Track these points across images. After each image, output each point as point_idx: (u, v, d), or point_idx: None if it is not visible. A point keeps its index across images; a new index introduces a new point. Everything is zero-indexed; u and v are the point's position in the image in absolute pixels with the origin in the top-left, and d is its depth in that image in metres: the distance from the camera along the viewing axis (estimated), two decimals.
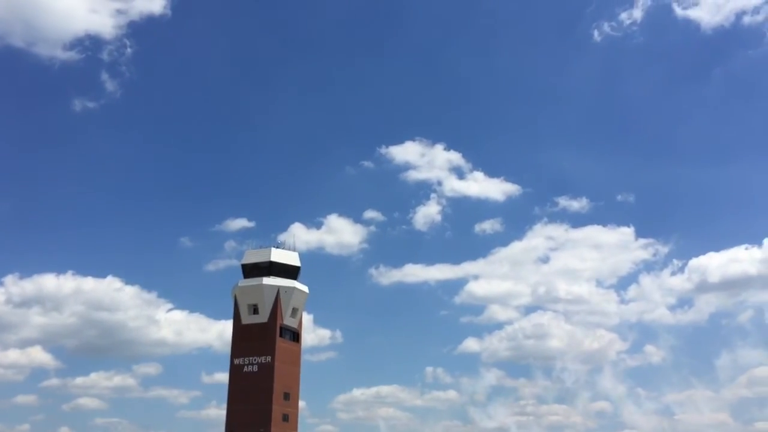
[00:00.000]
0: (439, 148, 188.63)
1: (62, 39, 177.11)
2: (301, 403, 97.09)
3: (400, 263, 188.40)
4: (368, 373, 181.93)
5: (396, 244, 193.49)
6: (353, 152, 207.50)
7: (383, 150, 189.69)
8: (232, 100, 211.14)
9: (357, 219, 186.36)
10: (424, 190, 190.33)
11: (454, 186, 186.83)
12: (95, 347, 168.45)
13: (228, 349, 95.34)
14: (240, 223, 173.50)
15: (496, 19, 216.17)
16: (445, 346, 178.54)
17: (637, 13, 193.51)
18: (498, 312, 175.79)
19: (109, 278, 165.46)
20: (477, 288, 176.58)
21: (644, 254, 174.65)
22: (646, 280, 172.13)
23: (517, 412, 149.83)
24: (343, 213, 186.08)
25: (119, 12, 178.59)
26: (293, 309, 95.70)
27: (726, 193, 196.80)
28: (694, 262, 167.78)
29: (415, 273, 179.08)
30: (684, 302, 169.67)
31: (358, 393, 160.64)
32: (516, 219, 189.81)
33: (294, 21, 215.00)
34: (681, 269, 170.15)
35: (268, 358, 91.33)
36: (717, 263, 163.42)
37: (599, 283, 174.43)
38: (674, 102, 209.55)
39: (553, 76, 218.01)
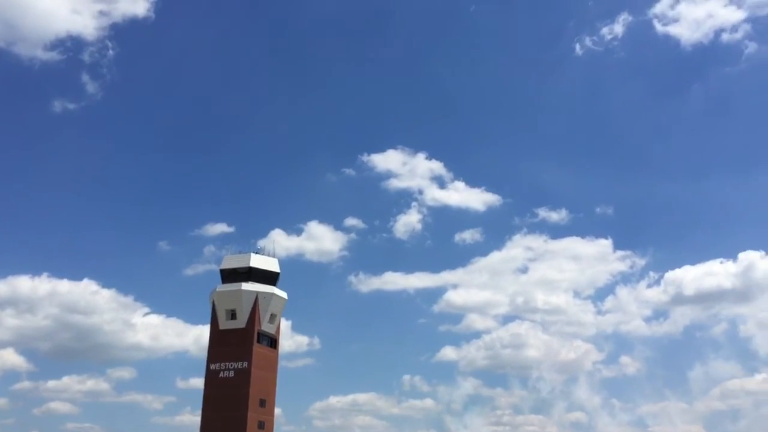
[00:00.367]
0: (420, 157, 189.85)
1: (43, 39, 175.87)
2: (277, 410, 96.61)
3: (380, 271, 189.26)
4: (345, 381, 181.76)
5: (376, 251, 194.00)
6: (335, 159, 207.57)
7: (365, 158, 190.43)
8: (214, 105, 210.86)
9: (337, 226, 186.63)
10: (405, 199, 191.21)
11: (435, 195, 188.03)
12: (69, 350, 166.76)
13: (204, 354, 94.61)
14: (220, 228, 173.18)
15: (479, 31, 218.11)
16: (422, 354, 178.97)
17: (618, 29, 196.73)
18: (476, 321, 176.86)
19: (86, 281, 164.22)
20: (456, 297, 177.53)
21: (621, 266, 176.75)
22: (623, 292, 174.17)
23: (493, 422, 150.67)
24: (324, 220, 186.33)
25: (102, 13, 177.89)
26: (271, 315, 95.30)
27: (702, 207, 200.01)
28: (670, 274, 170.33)
29: (394, 281, 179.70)
30: (659, 314, 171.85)
31: (334, 400, 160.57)
32: (496, 229, 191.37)
33: (277, 28, 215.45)
34: (657, 281, 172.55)
35: (245, 364, 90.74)
36: (692, 276, 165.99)
37: (577, 294, 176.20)
38: (653, 116, 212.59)
39: (535, 88, 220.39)
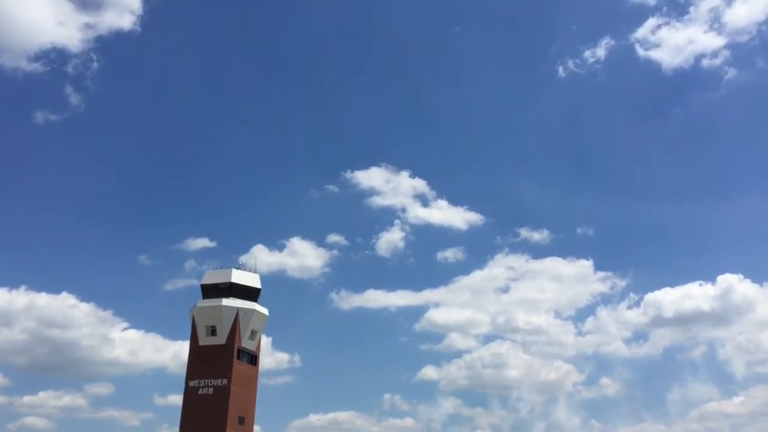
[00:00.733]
0: (404, 175, 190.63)
1: (27, 51, 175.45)
2: (256, 428, 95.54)
3: (362, 288, 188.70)
4: (325, 399, 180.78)
5: (358, 269, 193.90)
6: (318, 176, 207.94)
7: (348, 174, 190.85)
8: (197, 120, 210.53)
9: (320, 243, 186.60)
10: (388, 216, 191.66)
11: (418, 213, 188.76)
12: (46, 365, 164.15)
13: (183, 370, 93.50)
14: (201, 243, 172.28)
15: (464, 52, 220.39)
16: (403, 373, 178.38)
17: (601, 52, 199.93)
18: (457, 340, 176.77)
19: (64, 294, 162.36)
20: (437, 316, 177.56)
21: (602, 287, 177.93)
22: (603, 313, 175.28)
23: None
24: (306, 236, 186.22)
25: (88, 26, 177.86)
26: (252, 331, 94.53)
27: (682, 230, 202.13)
28: (650, 296, 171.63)
29: (376, 298, 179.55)
30: (639, 336, 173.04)
31: (314, 418, 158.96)
32: (478, 248, 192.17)
33: (263, 44, 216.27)
34: (637, 303, 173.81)
35: (224, 381, 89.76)
36: (672, 298, 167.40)
37: (557, 315, 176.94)
38: (635, 139, 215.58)
39: (519, 109, 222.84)
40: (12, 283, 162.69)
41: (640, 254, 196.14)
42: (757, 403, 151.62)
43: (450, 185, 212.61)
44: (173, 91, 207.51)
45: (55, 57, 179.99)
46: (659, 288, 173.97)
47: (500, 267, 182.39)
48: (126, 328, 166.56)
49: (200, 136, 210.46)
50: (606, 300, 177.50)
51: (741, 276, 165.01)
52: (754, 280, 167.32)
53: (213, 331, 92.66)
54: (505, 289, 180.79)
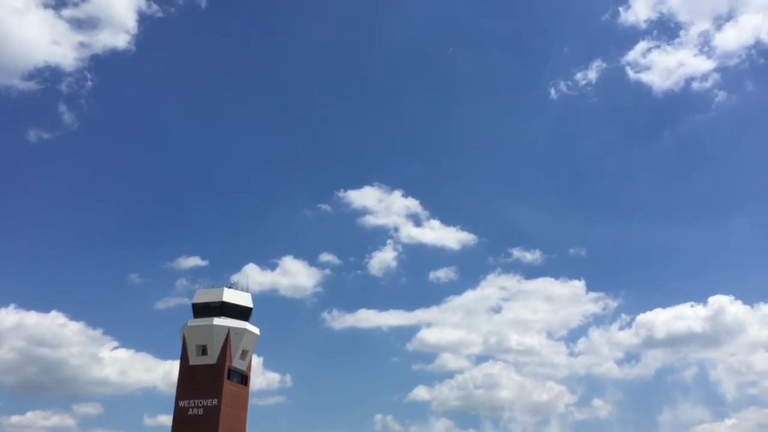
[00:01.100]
0: (397, 194, 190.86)
1: (21, 69, 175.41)
2: None
3: (354, 308, 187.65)
4: (317, 419, 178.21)
5: (350, 288, 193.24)
6: (311, 194, 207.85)
7: (341, 194, 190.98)
8: (191, 138, 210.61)
9: (312, 262, 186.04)
10: (381, 236, 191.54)
11: (411, 233, 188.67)
12: (34, 385, 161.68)
13: (173, 390, 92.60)
14: (193, 262, 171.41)
15: (457, 73, 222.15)
16: (395, 393, 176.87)
17: (592, 75, 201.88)
18: (449, 360, 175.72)
19: (54, 313, 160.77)
20: (429, 336, 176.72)
21: (594, 308, 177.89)
22: (596, 334, 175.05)
23: None
24: (299, 255, 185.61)
25: (82, 45, 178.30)
26: (243, 351, 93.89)
27: (674, 251, 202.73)
28: (642, 317, 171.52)
29: (368, 318, 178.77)
30: (631, 357, 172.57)
31: None
32: (470, 268, 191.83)
33: (257, 64, 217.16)
34: (629, 324, 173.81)
35: (215, 401, 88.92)
36: (663, 319, 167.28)
37: (550, 335, 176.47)
38: (626, 161, 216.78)
39: (511, 130, 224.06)
40: (1, 302, 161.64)
41: (631, 275, 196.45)
42: (748, 425, 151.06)
43: (443, 205, 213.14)
44: (166, 110, 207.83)
45: (49, 75, 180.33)
46: (651, 309, 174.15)
47: (492, 287, 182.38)
48: (116, 348, 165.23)
49: (192, 155, 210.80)
50: (598, 321, 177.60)
51: (732, 297, 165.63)
52: (745, 302, 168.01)
53: (204, 351, 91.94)
54: (498, 309, 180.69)
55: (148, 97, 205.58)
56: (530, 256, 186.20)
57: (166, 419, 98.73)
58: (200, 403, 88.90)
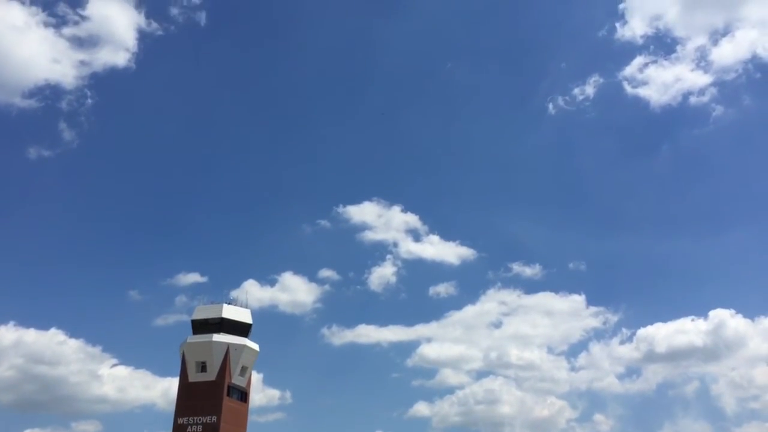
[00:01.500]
0: (396, 209, 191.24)
1: (22, 87, 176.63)
2: None
3: (354, 323, 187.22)
4: None
5: (350, 304, 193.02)
6: (310, 210, 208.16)
7: (340, 209, 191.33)
8: (190, 155, 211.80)
9: (312, 277, 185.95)
10: (380, 251, 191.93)
11: (410, 248, 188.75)
12: (33, 403, 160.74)
13: (172, 407, 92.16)
14: (192, 278, 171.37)
15: (455, 88, 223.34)
16: (395, 409, 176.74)
17: (590, 90, 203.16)
18: (450, 376, 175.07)
19: (53, 330, 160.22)
20: (429, 351, 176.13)
21: (594, 322, 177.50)
22: (596, 348, 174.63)
23: None
24: (298, 271, 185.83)
25: (83, 63, 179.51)
26: (242, 367, 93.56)
27: (673, 265, 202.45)
28: (642, 331, 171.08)
29: (368, 334, 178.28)
30: (632, 371, 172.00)
31: None
32: (470, 283, 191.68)
33: (256, 80, 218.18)
34: (629, 338, 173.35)
35: (214, 418, 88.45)
36: (664, 334, 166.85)
37: (550, 350, 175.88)
38: (625, 175, 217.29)
39: (510, 144, 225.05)
40: (0, 319, 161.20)
41: (631, 289, 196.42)
42: None
43: (442, 220, 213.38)
44: (166, 128, 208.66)
45: (49, 93, 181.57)
46: (651, 323, 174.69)
47: (492, 302, 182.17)
48: (115, 365, 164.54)
49: (191, 172, 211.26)
50: (599, 335, 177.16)
51: (733, 311, 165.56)
52: (745, 315, 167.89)
53: (203, 367, 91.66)
54: (498, 324, 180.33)
55: (148, 115, 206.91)
56: (530, 271, 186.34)
57: None
58: (199, 420, 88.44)
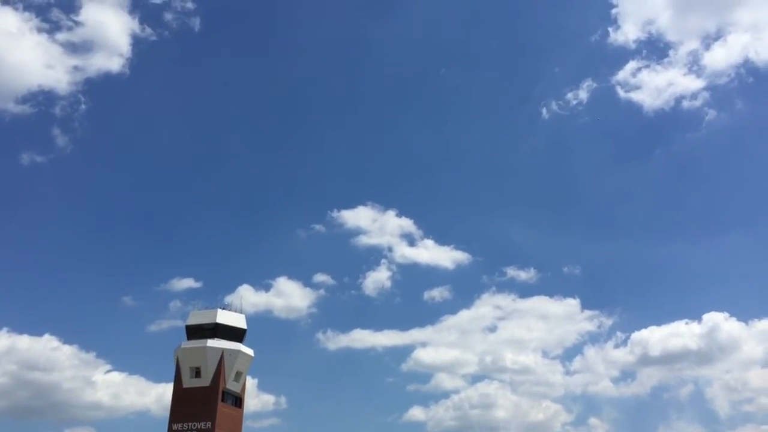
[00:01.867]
0: (390, 214, 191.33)
1: (15, 93, 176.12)
2: None
3: (348, 328, 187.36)
4: None
5: (345, 308, 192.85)
6: (305, 215, 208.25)
7: (335, 214, 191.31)
8: (184, 161, 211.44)
9: (306, 282, 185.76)
10: (375, 256, 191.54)
11: (405, 252, 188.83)
12: (26, 409, 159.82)
13: (166, 413, 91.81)
14: (186, 283, 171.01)
15: (450, 93, 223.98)
16: (390, 414, 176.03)
17: (583, 94, 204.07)
18: (445, 380, 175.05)
19: (47, 336, 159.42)
20: (424, 355, 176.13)
21: (589, 326, 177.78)
22: (591, 352, 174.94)
23: None
24: (293, 276, 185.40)
25: (76, 69, 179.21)
26: (237, 373, 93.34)
27: (667, 268, 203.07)
28: (636, 335, 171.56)
29: (362, 338, 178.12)
30: (627, 375, 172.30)
31: None
32: (465, 287, 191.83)
33: (249, 85, 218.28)
34: (624, 342, 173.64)
35: (208, 424, 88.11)
36: (658, 337, 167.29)
37: (545, 354, 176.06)
38: (618, 179, 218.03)
39: (504, 149, 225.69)
40: None
41: (626, 293, 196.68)
42: None
43: (437, 224, 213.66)
44: (160, 133, 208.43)
45: (42, 99, 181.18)
46: (646, 326, 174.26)
47: (487, 306, 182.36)
48: (109, 371, 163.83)
49: (186, 177, 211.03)
50: (593, 339, 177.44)
51: (726, 314, 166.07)
52: (739, 319, 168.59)
53: (197, 373, 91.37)
54: (493, 329, 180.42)
55: (141, 120, 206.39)
56: (525, 275, 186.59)
57: None
58: (194, 426, 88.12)
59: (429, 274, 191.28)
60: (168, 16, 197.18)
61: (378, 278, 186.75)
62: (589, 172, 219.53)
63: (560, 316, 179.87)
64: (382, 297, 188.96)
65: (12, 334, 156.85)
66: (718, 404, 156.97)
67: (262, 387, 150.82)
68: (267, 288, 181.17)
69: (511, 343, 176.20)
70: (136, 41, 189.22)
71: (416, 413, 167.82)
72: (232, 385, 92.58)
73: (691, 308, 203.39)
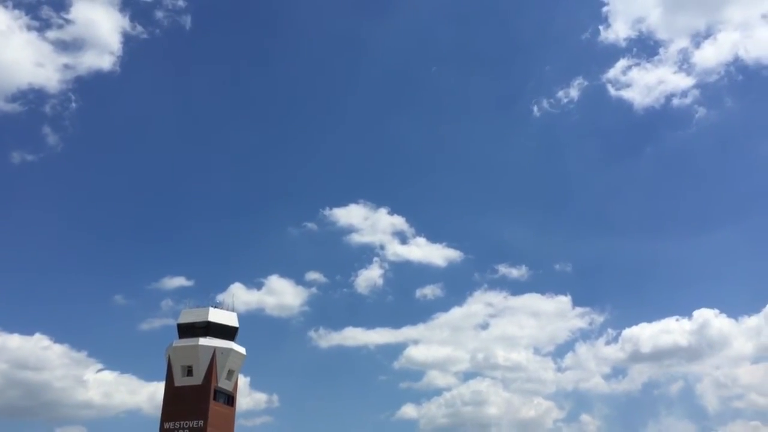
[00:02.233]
0: (382, 212, 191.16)
1: (5, 91, 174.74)
2: None
3: (341, 326, 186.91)
4: None
5: (337, 306, 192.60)
6: (296, 213, 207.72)
7: (327, 212, 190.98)
8: (176, 159, 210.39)
9: (298, 280, 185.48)
10: (367, 254, 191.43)
11: (397, 250, 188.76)
12: (16, 409, 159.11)
13: (158, 412, 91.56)
14: (178, 282, 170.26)
15: (440, 91, 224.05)
16: (383, 412, 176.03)
17: (574, 92, 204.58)
18: (437, 378, 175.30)
19: (37, 335, 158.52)
20: (416, 353, 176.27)
21: (580, 323, 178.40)
22: (582, 349, 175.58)
23: None
24: (285, 274, 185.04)
25: (67, 67, 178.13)
26: (229, 371, 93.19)
27: (658, 265, 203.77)
28: (627, 332, 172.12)
29: (355, 336, 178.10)
30: (618, 371, 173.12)
31: None
32: (457, 285, 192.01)
33: (240, 85, 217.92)
34: (615, 339, 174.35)
35: (200, 423, 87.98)
36: (649, 334, 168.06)
37: (537, 351, 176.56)
38: (609, 177, 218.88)
39: (495, 147, 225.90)
40: None
41: (617, 290, 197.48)
42: None
43: (428, 222, 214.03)
44: (151, 131, 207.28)
45: (33, 97, 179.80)
46: (636, 323, 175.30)
47: (479, 303, 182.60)
48: (100, 370, 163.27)
49: (177, 175, 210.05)
50: (585, 336, 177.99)
51: (717, 311, 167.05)
52: (729, 315, 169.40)
53: (189, 372, 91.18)
54: (485, 326, 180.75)
55: (132, 119, 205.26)
56: (516, 272, 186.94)
57: None
58: (186, 424, 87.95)
59: (421, 272, 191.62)
60: (159, 14, 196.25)
61: (370, 276, 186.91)
62: (580, 170, 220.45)
63: (552, 314, 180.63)
64: (374, 295, 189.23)
65: (2, 333, 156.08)
66: (708, 400, 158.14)
67: (255, 385, 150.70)
68: (259, 286, 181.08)
69: (503, 340, 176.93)
70: (127, 39, 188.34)
71: (408, 411, 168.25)
72: (224, 384, 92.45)
73: (681, 305, 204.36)
